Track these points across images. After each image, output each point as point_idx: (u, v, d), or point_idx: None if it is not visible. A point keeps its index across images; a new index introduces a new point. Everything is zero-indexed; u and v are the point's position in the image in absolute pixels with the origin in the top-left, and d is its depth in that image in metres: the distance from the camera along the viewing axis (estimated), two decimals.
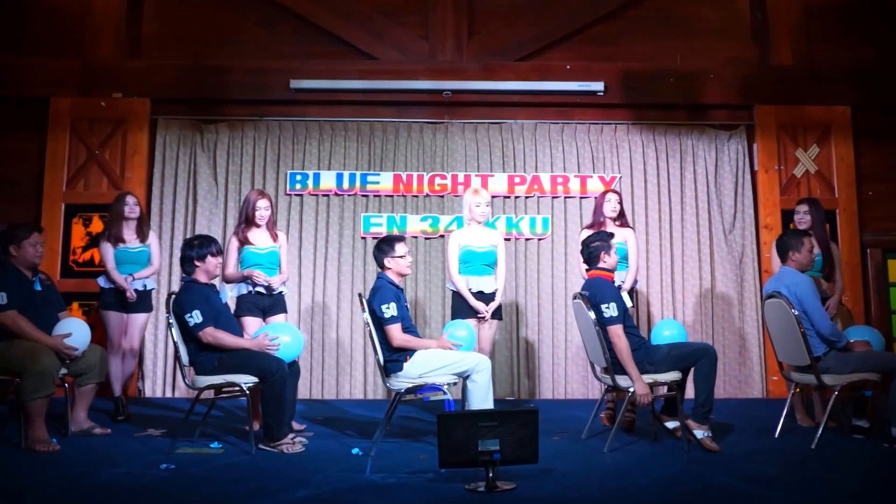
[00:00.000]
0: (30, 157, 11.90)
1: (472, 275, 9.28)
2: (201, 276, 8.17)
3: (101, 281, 9.76)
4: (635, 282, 9.55)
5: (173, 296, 8.15)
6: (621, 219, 9.64)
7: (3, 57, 11.98)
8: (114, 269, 9.64)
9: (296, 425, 8.73)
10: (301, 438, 8.04)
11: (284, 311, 9.33)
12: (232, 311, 8.91)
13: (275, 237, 9.30)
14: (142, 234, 9.87)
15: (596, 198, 9.85)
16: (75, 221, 11.65)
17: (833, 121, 12.23)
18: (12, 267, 8.21)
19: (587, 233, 9.29)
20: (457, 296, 9.33)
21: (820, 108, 12.26)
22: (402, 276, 8.42)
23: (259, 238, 9.18)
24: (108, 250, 9.70)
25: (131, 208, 9.80)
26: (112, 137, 11.86)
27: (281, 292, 9.26)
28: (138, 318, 9.86)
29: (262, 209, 9.19)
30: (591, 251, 8.43)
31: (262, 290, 9.01)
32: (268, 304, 9.11)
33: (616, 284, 8.63)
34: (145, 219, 10.15)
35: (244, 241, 9.10)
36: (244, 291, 9.06)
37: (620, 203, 9.64)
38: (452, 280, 9.37)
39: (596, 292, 8.15)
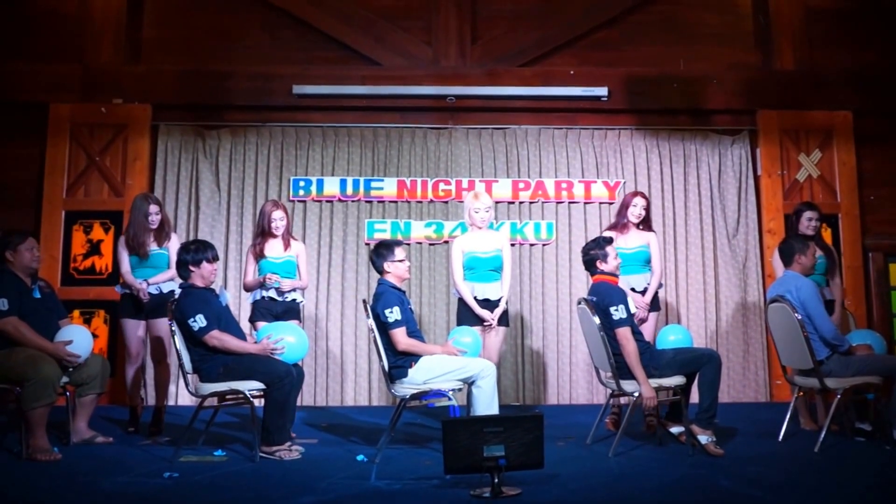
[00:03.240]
0: (29, 163, 11.85)
1: (477, 281, 9.20)
2: (197, 281, 8.14)
3: (119, 287, 9.54)
4: (659, 285, 9.52)
5: (174, 302, 8.10)
6: (645, 223, 9.56)
7: (2, 62, 11.94)
8: (128, 272, 9.34)
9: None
10: (297, 446, 7.97)
11: (297, 318, 9.29)
12: (247, 317, 9.27)
13: (287, 246, 9.27)
14: (159, 239, 9.47)
15: (625, 197, 9.72)
16: (76, 229, 11.59)
17: (835, 125, 12.24)
18: (11, 273, 8.15)
19: (609, 234, 9.29)
20: (462, 303, 9.25)
21: (822, 112, 12.27)
22: (402, 280, 8.38)
23: (274, 248, 9.22)
24: (123, 253, 9.45)
25: (153, 218, 9.41)
26: (113, 144, 11.82)
27: (295, 300, 9.23)
28: (160, 324, 9.32)
29: (278, 220, 9.23)
30: (588, 259, 8.50)
31: (274, 295, 9.03)
32: (280, 310, 9.11)
33: (642, 288, 8.89)
34: (166, 222, 9.69)
35: (260, 255, 9.17)
36: (258, 297, 9.12)
37: (646, 208, 9.55)
38: (457, 287, 9.30)
39: (603, 296, 8.17)
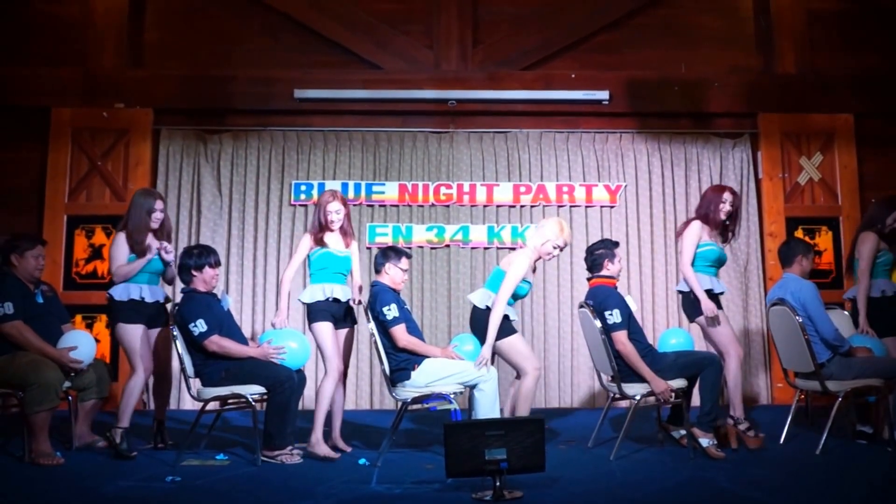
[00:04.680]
0: (31, 167, 11.83)
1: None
2: (199, 286, 8.14)
3: (117, 292, 8.40)
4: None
5: (176, 307, 8.10)
6: (733, 220, 8.97)
7: (4, 66, 11.94)
8: (129, 272, 8.41)
9: (341, 444, 8.51)
10: (299, 450, 7.98)
11: (353, 322, 8.78)
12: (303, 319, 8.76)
13: (348, 244, 8.70)
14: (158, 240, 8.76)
15: (709, 192, 9.01)
16: (77, 233, 11.57)
17: (836, 128, 12.25)
18: (14, 277, 8.18)
19: (696, 224, 8.79)
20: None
21: (823, 115, 12.27)
22: (395, 286, 8.39)
23: (336, 241, 8.59)
24: (124, 248, 8.51)
25: (157, 215, 8.68)
26: (114, 148, 11.81)
27: (351, 300, 8.62)
28: (160, 333, 8.81)
29: (334, 213, 8.51)
30: (595, 258, 8.50)
31: (340, 297, 8.38)
32: (342, 312, 8.52)
33: (719, 291, 8.64)
34: (167, 223, 8.97)
35: (320, 242, 8.45)
36: (321, 298, 8.33)
37: (735, 205, 8.90)
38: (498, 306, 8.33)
39: (599, 300, 8.22)
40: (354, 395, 11.62)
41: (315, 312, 8.32)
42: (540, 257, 8.69)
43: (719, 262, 8.83)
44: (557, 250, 8.62)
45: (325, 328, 8.26)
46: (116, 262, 8.47)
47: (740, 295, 12.03)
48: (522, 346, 8.59)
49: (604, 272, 8.44)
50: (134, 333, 8.43)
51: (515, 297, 8.49)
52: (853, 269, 9.21)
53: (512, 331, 8.45)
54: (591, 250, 8.61)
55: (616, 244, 8.58)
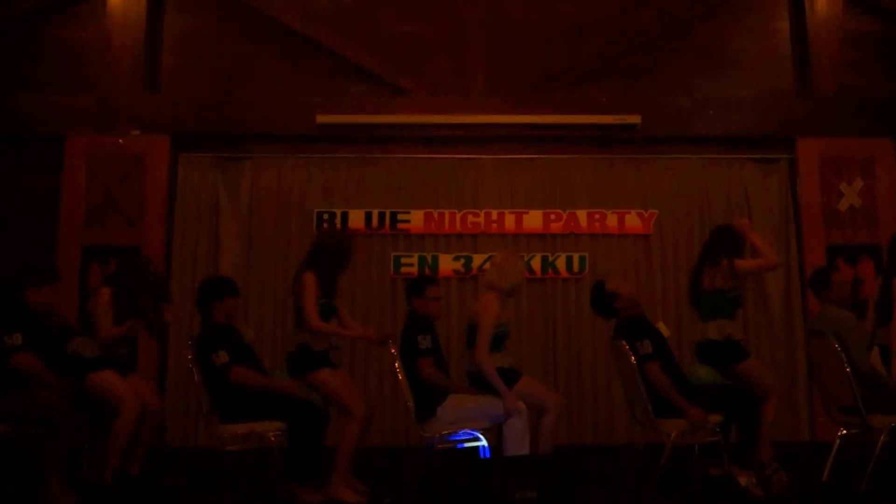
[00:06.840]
0: (45, 196, 11.62)
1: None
2: (219, 317, 8.01)
3: (87, 349, 8.07)
4: None
5: (195, 339, 8.02)
6: None
7: (17, 93, 11.87)
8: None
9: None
10: (322, 489, 7.76)
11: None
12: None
13: None
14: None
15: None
16: (93, 264, 11.39)
17: (876, 153, 11.98)
18: (26, 308, 8.02)
19: None
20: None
21: (863, 140, 12.02)
22: (435, 315, 8.34)
23: None
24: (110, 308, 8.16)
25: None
26: (130, 176, 11.62)
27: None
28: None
29: None
30: (600, 311, 8.60)
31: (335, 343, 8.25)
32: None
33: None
34: None
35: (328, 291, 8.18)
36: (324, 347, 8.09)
37: None
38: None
39: (629, 331, 8.07)
40: (380, 432, 11.33)
41: (314, 358, 8.02)
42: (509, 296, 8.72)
43: None
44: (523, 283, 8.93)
45: (327, 374, 8.01)
46: (110, 324, 8.06)
47: (780, 326, 11.77)
48: (535, 385, 8.58)
49: (619, 310, 8.32)
50: (109, 374, 7.99)
51: (498, 342, 8.33)
52: (882, 311, 8.62)
53: (517, 376, 8.37)
54: (591, 306, 8.64)
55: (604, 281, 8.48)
